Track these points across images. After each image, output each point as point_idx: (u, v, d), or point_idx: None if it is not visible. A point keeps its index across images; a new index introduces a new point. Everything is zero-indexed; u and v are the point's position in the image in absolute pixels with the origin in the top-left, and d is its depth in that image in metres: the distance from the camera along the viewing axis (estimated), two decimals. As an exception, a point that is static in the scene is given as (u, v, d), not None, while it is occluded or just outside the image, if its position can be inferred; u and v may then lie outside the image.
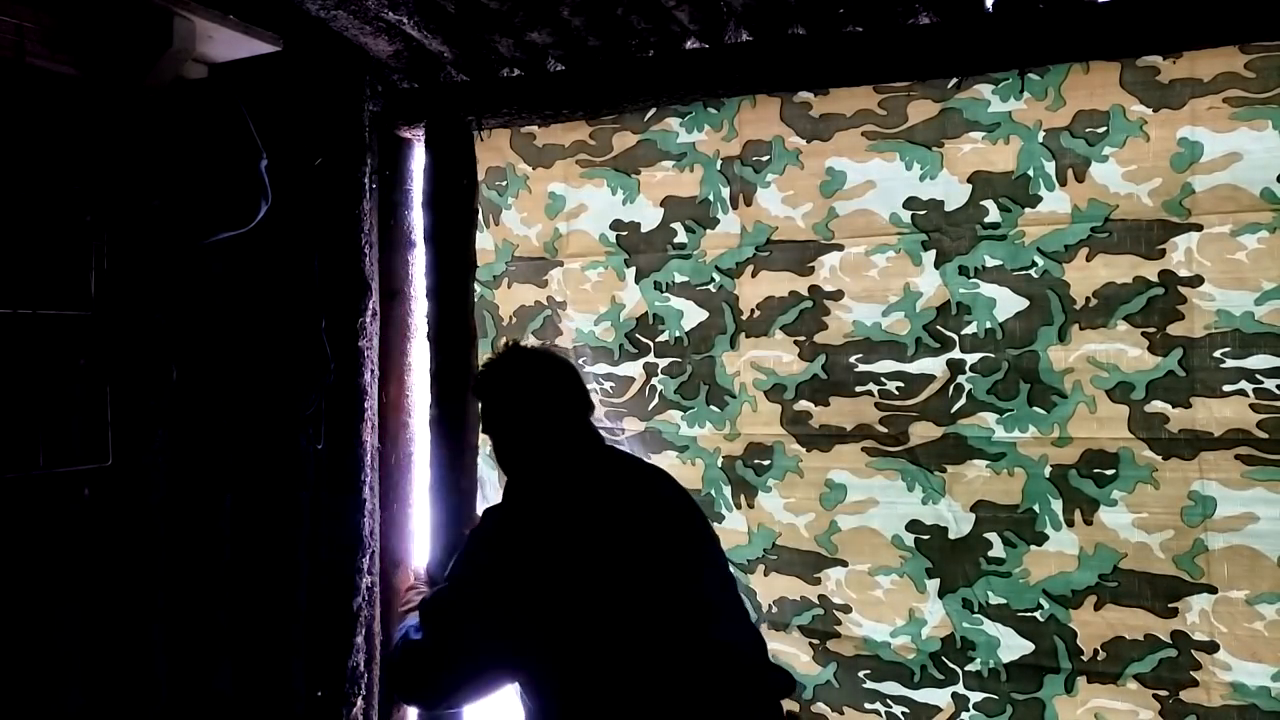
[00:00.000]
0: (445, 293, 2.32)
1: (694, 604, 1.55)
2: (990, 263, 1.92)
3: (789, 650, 2.10)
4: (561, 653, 1.48)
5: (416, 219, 2.45)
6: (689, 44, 2.09)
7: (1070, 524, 1.87)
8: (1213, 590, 1.77)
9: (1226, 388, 1.75)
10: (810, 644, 2.08)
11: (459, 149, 2.33)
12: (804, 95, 2.06)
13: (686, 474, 2.14)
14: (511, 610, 1.47)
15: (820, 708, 2.07)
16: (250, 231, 2.10)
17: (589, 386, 1.77)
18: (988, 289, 1.92)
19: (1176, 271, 1.79)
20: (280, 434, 2.28)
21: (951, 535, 1.95)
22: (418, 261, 2.44)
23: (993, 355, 1.91)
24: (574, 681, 1.49)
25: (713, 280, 2.16)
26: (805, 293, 2.07)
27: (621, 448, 1.88)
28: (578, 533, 1.52)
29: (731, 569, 2.11)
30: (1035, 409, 1.88)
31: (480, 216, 2.38)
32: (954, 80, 1.93)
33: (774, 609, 2.11)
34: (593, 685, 1.48)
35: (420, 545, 2.45)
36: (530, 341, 2.24)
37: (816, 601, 2.07)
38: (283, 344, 2.28)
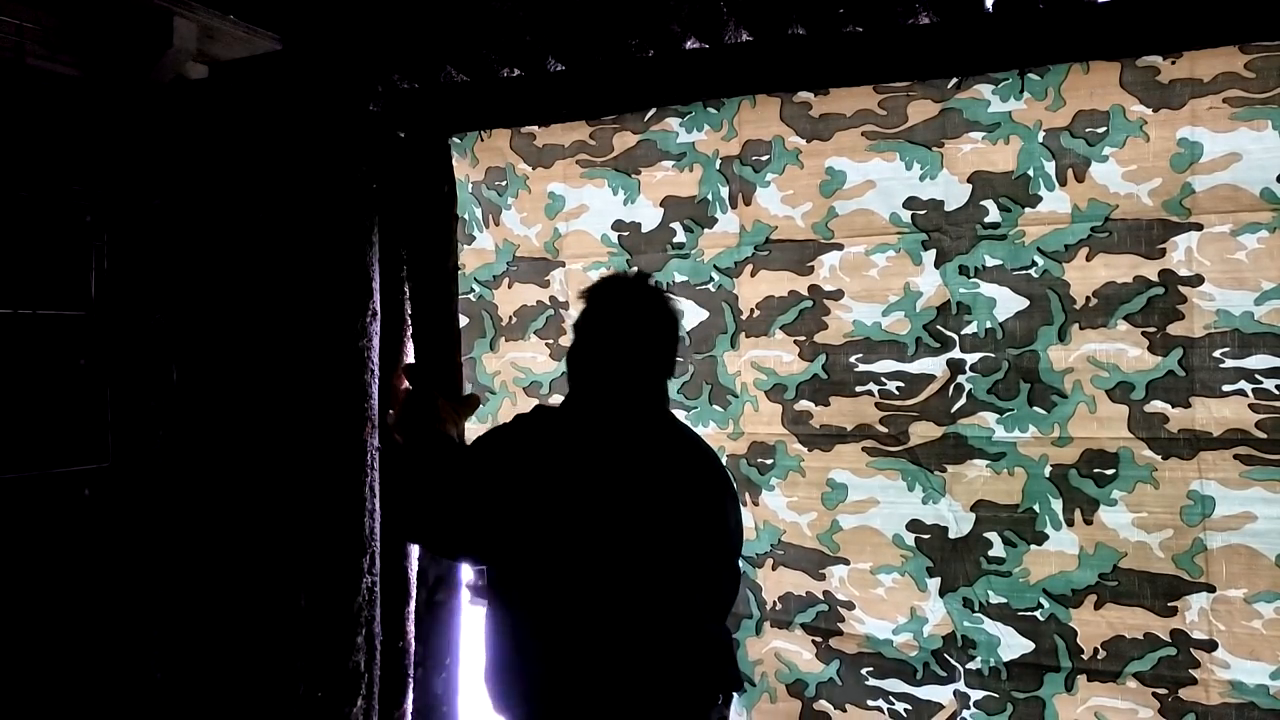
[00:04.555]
0: (425, 297, 2.35)
1: (661, 589, 1.63)
2: (990, 262, 1.92)
3: (792, 648, 2.10)
4: (528, 572, 1.61)
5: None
6: (689, 44, 2.09)
7: (1070, 523, 1.87)
8: (1211, 589, 1.78)
9: (1226, 388, 1.76)
10: (814, 641, 2.08)
11: (438, 153, 2.33)
12: (804, 95, 2.06)
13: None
14: (502, 497, 1.60)
15: (823, 705, 2.07)
16: (250, 231, 2.11)
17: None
18: (988, 289, 1.92)
19: (1176, 271, 1.79)
20: (280, 433, 2.28)
21: (952, 535, 1.95)
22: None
23: (993, 355, 1.92)
24: (530, 607, 1.61)
25: (711, 280, 2.16)
26: (805, 292, 2.07)
27: (683, 422, 1.98)
28: (591, 478, 1.62)
29: (742, 565, 2.13)
30: (1035, 409, 1.89)
31: (480, 216, 2.38)
32: (954, 80, 1.93)
33: (779, 605, 2.12)
34: (550, 618, 1.60)
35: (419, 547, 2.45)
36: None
37: (821, 597, 2.07)
38: (283, 344, 2.28)
